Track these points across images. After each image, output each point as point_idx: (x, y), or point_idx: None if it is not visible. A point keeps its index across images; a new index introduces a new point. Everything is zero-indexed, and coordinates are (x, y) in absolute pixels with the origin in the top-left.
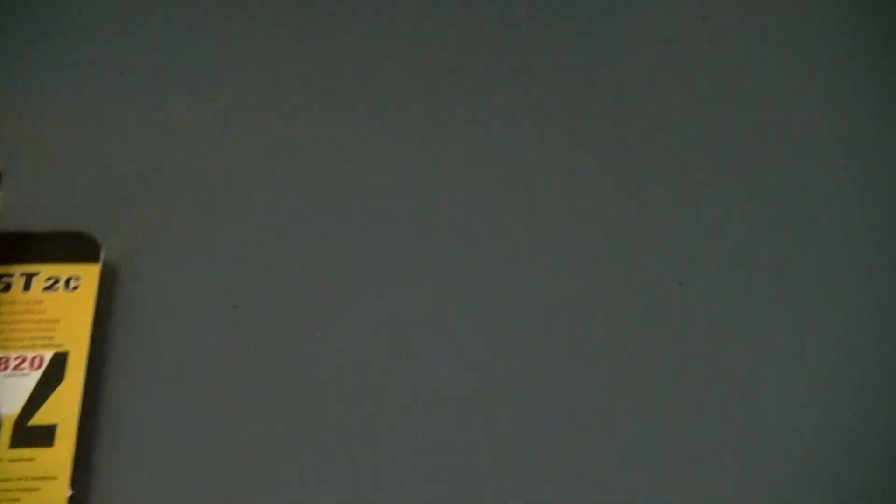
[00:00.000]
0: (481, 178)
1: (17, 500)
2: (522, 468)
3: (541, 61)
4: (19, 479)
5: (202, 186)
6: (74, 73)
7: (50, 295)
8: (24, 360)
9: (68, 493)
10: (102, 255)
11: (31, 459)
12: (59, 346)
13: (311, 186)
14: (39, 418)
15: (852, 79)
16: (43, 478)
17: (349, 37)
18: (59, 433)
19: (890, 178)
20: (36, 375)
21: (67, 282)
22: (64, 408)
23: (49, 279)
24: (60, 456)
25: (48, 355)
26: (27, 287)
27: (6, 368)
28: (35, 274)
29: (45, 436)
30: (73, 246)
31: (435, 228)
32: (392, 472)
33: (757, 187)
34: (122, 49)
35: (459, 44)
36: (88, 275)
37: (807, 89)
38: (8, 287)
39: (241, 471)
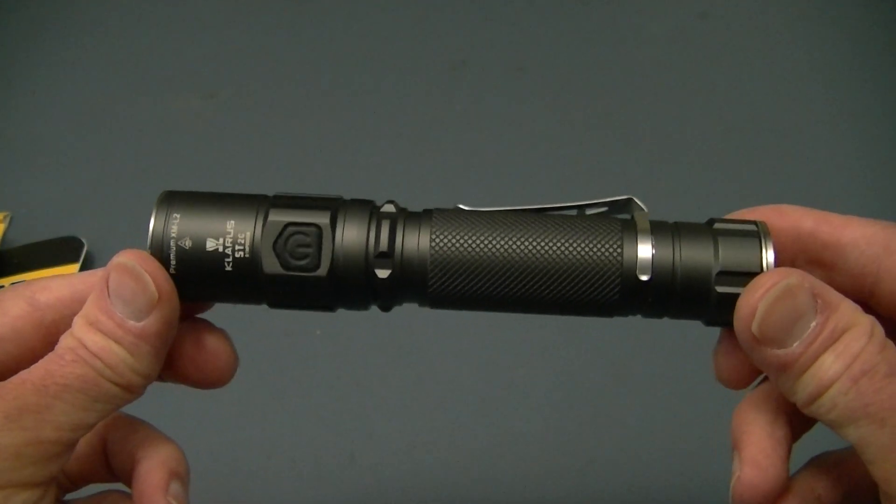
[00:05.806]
0: (481, 174)
1: None
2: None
3: (540, 59)
4: None
5: (201, 183)
6: (74, 73)
7: None
8: None
9: None
10: (83, 255)
11: None
12: None
13: (313, 184)
14: None
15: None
16: None
17: (351, 36)
18: None
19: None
20: None
21: None
22: None
23: None
24: None
25: None
26: None
27: None
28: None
29: None
30: (58, 249)
31: None
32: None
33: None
34: (122, 49)
35: (461, 41)
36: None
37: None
38: None
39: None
